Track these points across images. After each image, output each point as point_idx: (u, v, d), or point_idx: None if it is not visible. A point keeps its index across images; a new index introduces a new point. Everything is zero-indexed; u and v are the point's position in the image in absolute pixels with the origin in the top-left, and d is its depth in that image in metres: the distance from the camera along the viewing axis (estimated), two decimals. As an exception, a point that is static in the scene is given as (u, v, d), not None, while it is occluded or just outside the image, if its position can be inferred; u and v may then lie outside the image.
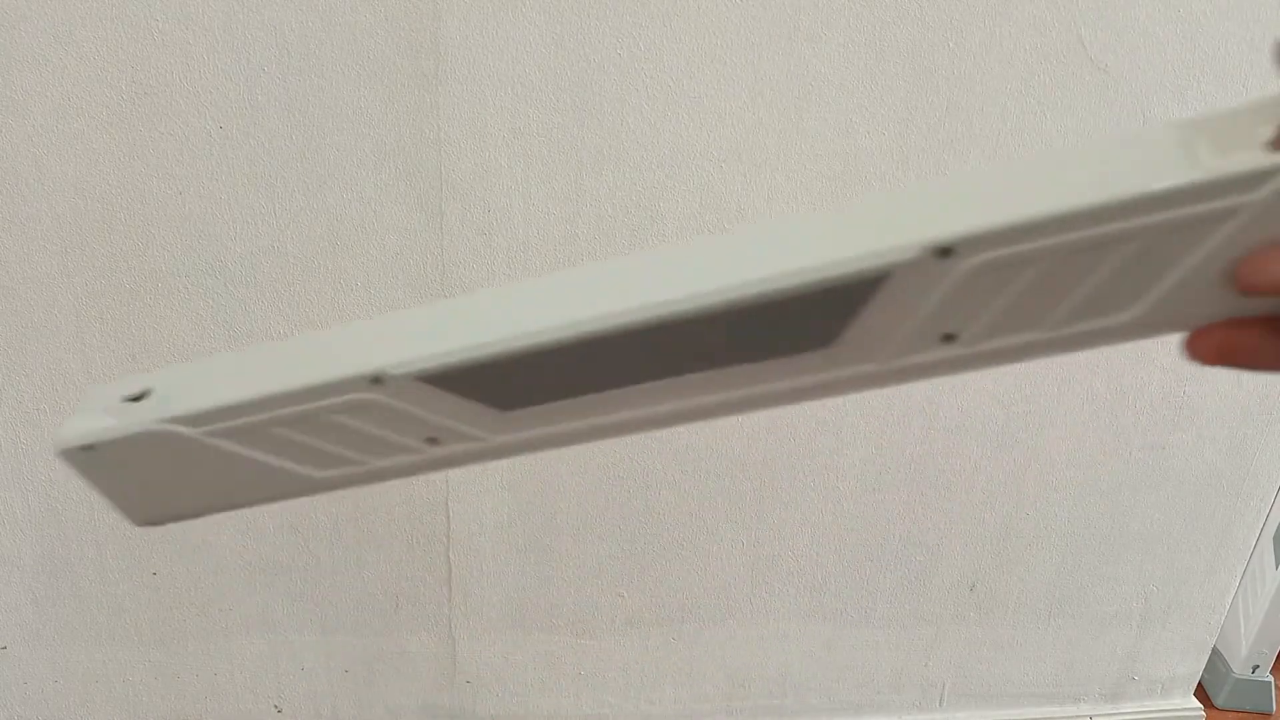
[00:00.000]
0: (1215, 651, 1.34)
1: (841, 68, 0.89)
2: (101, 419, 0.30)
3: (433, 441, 0.30)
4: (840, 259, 0.24)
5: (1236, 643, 1.36)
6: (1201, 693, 1.36)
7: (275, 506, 1.06)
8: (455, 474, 1.04)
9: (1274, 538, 1.28)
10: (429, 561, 1.09)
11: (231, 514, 1.07)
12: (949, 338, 0.25)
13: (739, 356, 0.26)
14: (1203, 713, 1.31)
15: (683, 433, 1.04)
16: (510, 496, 1.06)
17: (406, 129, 0.87)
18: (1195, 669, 1.30)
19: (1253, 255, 0.22)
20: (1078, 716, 1.30)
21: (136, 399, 0.30)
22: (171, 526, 1.09)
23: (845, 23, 0.87)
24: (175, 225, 0.89)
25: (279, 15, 0.82)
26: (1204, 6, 0.90)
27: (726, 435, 1.05)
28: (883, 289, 0.24)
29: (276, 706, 1.16)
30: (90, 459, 0.30)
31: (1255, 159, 0.22)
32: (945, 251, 0.23)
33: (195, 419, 0.29)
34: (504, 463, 1.04)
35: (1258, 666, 1.35)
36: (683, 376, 0.27)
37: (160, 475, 0.31)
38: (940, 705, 1.28)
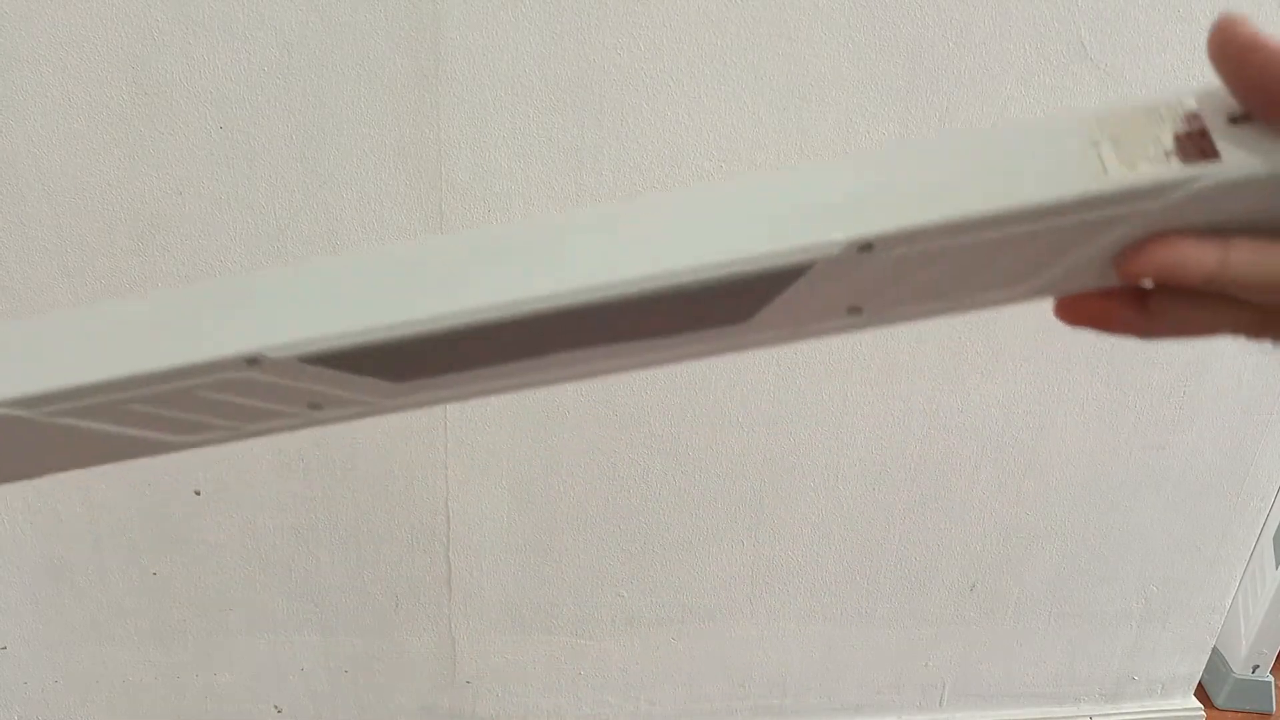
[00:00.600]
0: (1215, 651, 1.34)
1: (841, 68, 0.89)
2: None
3: (315, 406, 0.28)
4: (768, 252, 0.24)
5: (1236, 643, 1.36)
6: (1201, 693, 1.36)
7: (274, 508, 1.06)
8: (455, 474, 1.04)
9: (1274, 538, 1.28)
10: (429, 561, 1.09)
11: (231, 513, 1.06)
12: (855, 310, 0.27)
13: (652, 333, 0.26)
14: (1203, 713, 1.31)
15: (683, 433, 1.04)
16: (510, 496, 1.06)
17: (406, 129, 0.87)
18: (1195, 669, 1.30)
19: (1135, 246, 0.24)
20: (1078, 716, 1.31)
21: None
22: (171, 527, 1.09)
23: (845, 22, 0.87)
24: (175, 225, 0.89)
25: (279, 15, 0.82)
26: (1204, 6, 0.90)
27: (726, 435, 1.05)
28: (803, 276, 0.25)
29: (276, 707, 1.16)
30: None
31: (1158, 171, 0.23)
32: (867, 247, 0.24)
33: (35, 401, 0.26)
34: (504, 463, 1.04)
35: (1258, 666, 1.35)
36: (590, 349, 0.27)
37: None
38: (940, 705, 1.28)
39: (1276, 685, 1.37)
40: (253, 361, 0.25)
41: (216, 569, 1.06)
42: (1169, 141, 0.24)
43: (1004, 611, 1.21)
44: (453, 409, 1.00)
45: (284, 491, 1.03)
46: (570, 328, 0.26)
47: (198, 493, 1.02)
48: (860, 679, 1.24)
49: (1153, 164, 0.23)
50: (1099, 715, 1.31)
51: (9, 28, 0.80)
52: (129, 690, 1.12)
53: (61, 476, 0.98)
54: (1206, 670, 1.33)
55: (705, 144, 0.91)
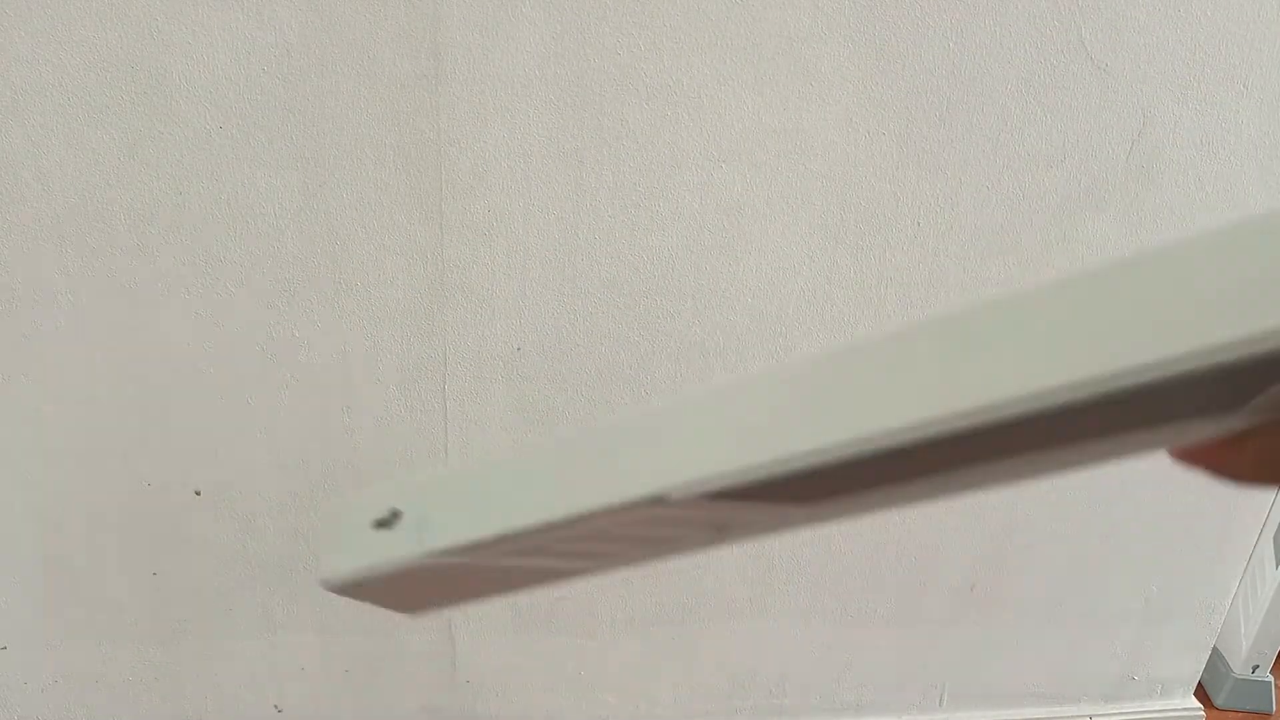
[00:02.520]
0: (1215, 651, 1.34)
1: (841, 67, 0.89)
2: (358, 554, 0.29)
3: (720, 530, 0.28)
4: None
5: (1236, 643, 1.36)
6: (1201, 693, 1.36)
7: (274, 508, 1.06)
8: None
9: (1274, 538, 1.28)
10: (429, 561, 1.09)
11: (231, 513, 1.06)
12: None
13: (1080, 436, 0.23)
14: (1203, 713, 1.31)
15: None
16: (510, 496, 1.06)
17: (406, 129, 0.87)
18: (1195, 669, 1.30)
19: None
20: (1078, 716, 1.30)
21: (386, 523, 0.29)
22: (171, 527, 1.09)
23: (845, 22, 0.87)
24: (175, 225, 0.89)
25: (279, 15, 0.82)
26: (1204, 6, 0.90)
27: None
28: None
29: (276, 707, 1.16)
30: (356, 590, 0.30)
31: None
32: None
33: (462, 550, 0.28)
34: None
35: (1258, 666, 1.35)
36: (1011, 459, 0.25)
37: (427, 586, 0.31)
38: (940, 705, 1.28)
39: (1276, 685, 1.37)
40: (658, 501, 0.26)
41: (216, 569, 1.06)
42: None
43: (1004, 611, 1.21)
44: (451, 405, 1.00)
45: (284, 491, 1.03)
46: (991, 439, 0.23)
47: (198, 493, 1.02)
48: (860, 679, 1.24)
49: None
50: (1099, 715, 1.31)
51: (9, 28, 0.80)
52: (129, 690, 1.12)
53: (61, 476, 0.98)
54: (1206, 670, 1.33)
55: (705, 144, 0.91)
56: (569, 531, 0.27)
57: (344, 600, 1.08)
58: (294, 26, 0.83)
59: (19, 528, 1.01)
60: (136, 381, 0.95)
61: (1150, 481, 1.14)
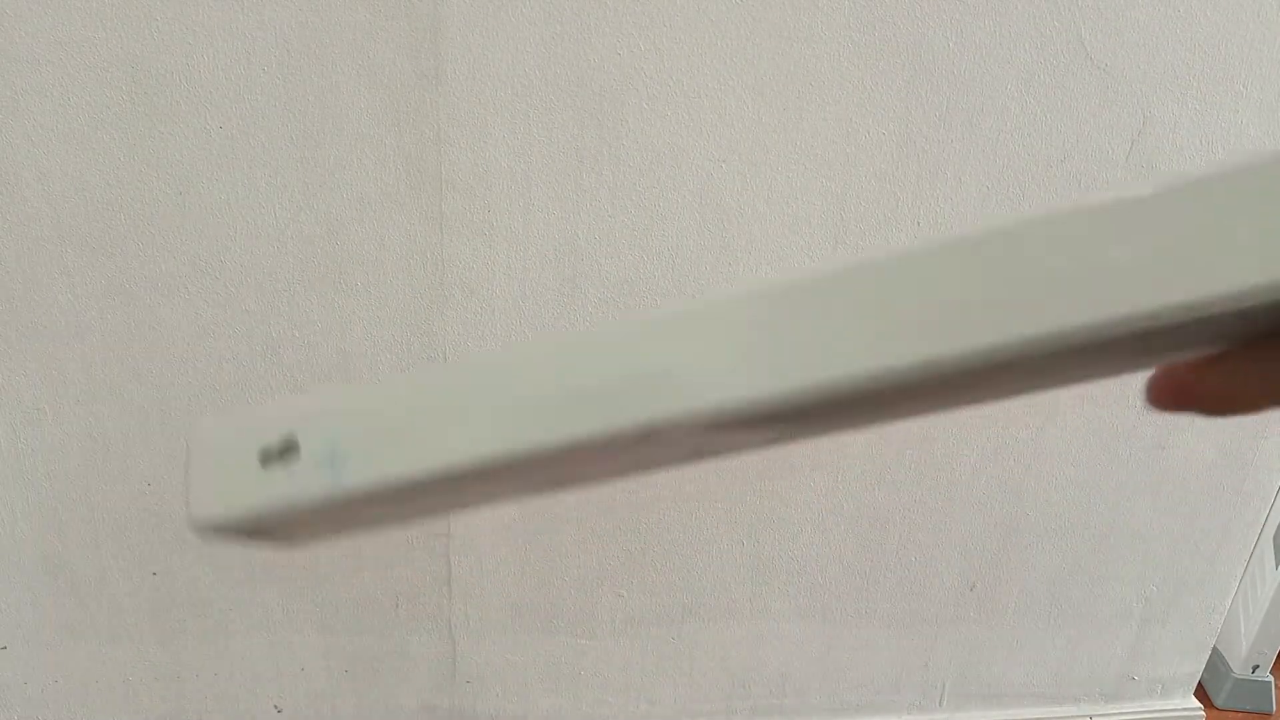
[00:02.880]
0: (1215, 651, 1.34)
1: (841, 68, 0.89)
2: (245, 491, 0.24)
3: (698, 453, 0.24)
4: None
5: (1236, 643, 1.36)
6: (1201, 693, 1.36)
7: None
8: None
9: (1274, 538, 1.28)
10: (429, 561, 1.09)
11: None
12: None
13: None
14: (1203, 713, 1.31)
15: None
16: (510, 496, 1.06)
17: (406, 129, 0.87)
18: (1195, 669, 1.30)
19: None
20: (1078, 716, 1.30)
21: (280, 455, 0.24)
22: (171, 527, 1.09)
23: (845, 22, 0.87)
24: (175, 225, 0.89)
25: (279, 14, 0.82)
26: (1204, 6, 0.90)
27: (726, 435, 1.05)
28: None
29: (276, 706, 1.16)
30: (234, 532, 0.25)
31: None
32: None
33: (392, 490, 0.23)
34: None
35: (1258, 666, 1.35)
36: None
37: (323, 524, 0.25)
38: (940, 705, 1.28)
39: (1276, 685, 1.37)
40: (652, 433, 0.22)
41: (216, 569, 1.06)
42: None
43: (1004, 611, 1.21)
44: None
45: (284, 491, 1.02)
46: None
47: (198, 493, 1.01)
48: (860, 679, 1.24)
49: None
50: (1099, 715, 1.31)
51: (9, 28, 0.80)
52: (129, 690, 1.12)
53: (61, 477, 0.98)
54: (1206, 670, 1.33)
55: (705, 144, 0.91)
56: (528, 465, 0.22)
57: (344, 600, 1.07)
58: (294, 26, 0.83)
59: (19, 528, 1.01)
60: (136, 381, 0.95)
61: (1150, 481, 1.14)
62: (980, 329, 0.19)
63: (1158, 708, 1.31)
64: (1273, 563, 1.30)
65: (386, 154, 0.88)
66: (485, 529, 1.07)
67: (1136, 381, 1.13)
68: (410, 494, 0.23)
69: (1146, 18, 0.90)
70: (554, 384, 0.22)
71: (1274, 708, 1.37)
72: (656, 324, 0.21)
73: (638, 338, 0.21)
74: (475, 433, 0.22)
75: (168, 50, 0.82)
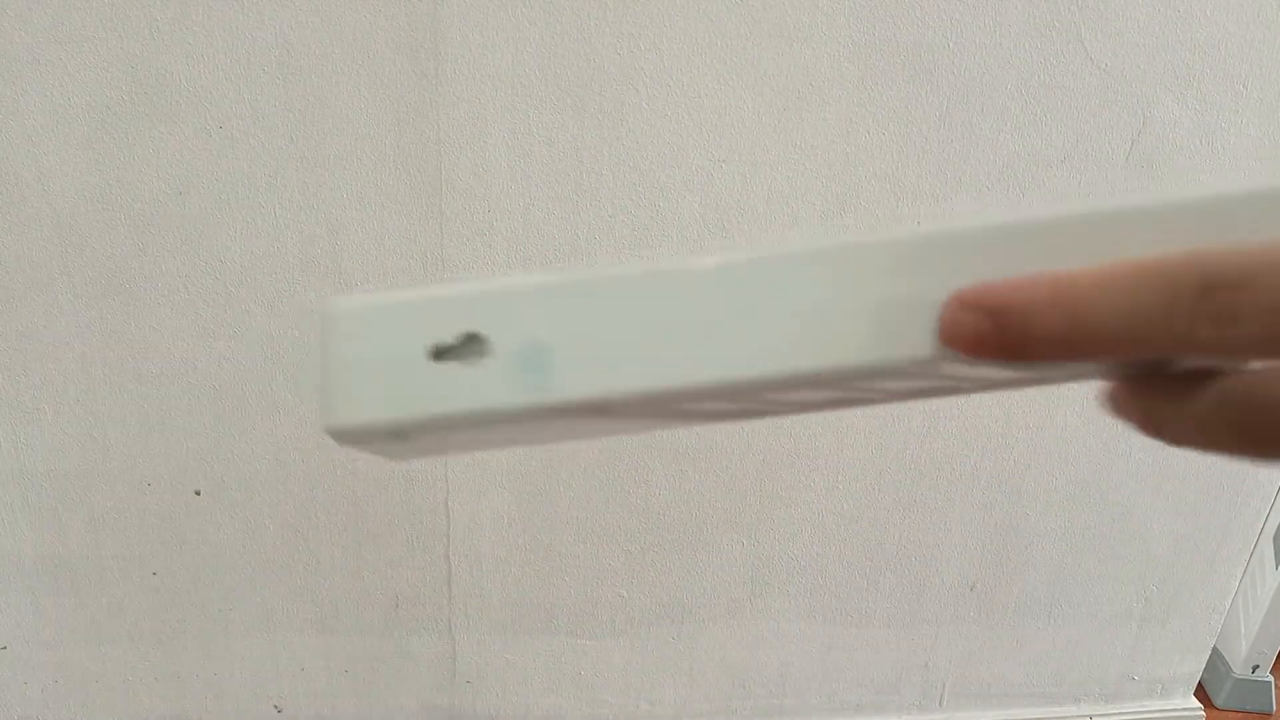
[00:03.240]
0: (1215, 651, 1.34)
1: (841, 67, 0.89)
2: (414, 388, 0.20)
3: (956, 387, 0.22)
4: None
5: (1236, 643, 1.36)
6: (1201, 693, 1.36)
7: (274, 508, 1.06)
8: (455, 474, 1.04)
9: (1274, 538, 1.28)
10: (429, 561, 1.09)
11: (231, 514, 1.06)
12: None
13: None
14: (1203, 713, 1.31)
15: (682, 432, 1.04)
16: (510, 496, 1.06)
17: (406, 129, 0.87)
18: (1195, 669, 1.30)
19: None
20: (1078, 716, 1.30)
21: (457, 352, 0.20)
22: (171, 527, 1.08)
23: (845, 22, 0.87)
24: (175, 225, 0.89)
25: (279, 14, 0.82)
26: (1204, 6, 0.90)
27: (726, 435, 1.05)
28: None
29: (276, 706, 1.16)
30: (389, 438, 0.21)
31: None
32: None
33: (597, 403, 0.19)
34: (504, 463, 1.04)
35: (1258, 666, 1.35)
36: None
37: (483, 437, 0.22)
38: (940, 705, 1.28)
39: (1276, 685, 1.37)
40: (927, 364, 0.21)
41: (216, 569, 1.06)
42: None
43: (1004, 611, 1.21)
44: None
45: (284, 491, 1.03)
46: None
47: (198, 493, 1.02)
48: (860, 679, 1.24)
49: None
50: (1099, 715, 1.31)
51: (9, 28, 0.80)
52: (129, 690, 1.12)
53: (60, 477, 0.98)
54: (1206, 670, 1.33)
55: (705, 144, 0.91)
56: (778, 390, 0.19)
57: (344, 600, 1.07)
58: (293, 25, 0.83)
59: (19, 528, 1.01)
60: (136, 381, 0.95)
61: (1151, 481, 1.14)
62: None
63: (1158, 708, 1.31)
64: (1273, 563, 1.30)
65: (386, 154, 0.88)
66: (485, 529, 1.08)
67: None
68: (622, 409, 0.20)
69: (1146, 18, 0.90)
70: (860, 298, 0.20)
71: (1274, 708, 1.37)
72: (927, 244, 0.20)
73: (912, 257, 0.20)
74: (727, 351, 0.19)
75: (168, 50, 0.82)
